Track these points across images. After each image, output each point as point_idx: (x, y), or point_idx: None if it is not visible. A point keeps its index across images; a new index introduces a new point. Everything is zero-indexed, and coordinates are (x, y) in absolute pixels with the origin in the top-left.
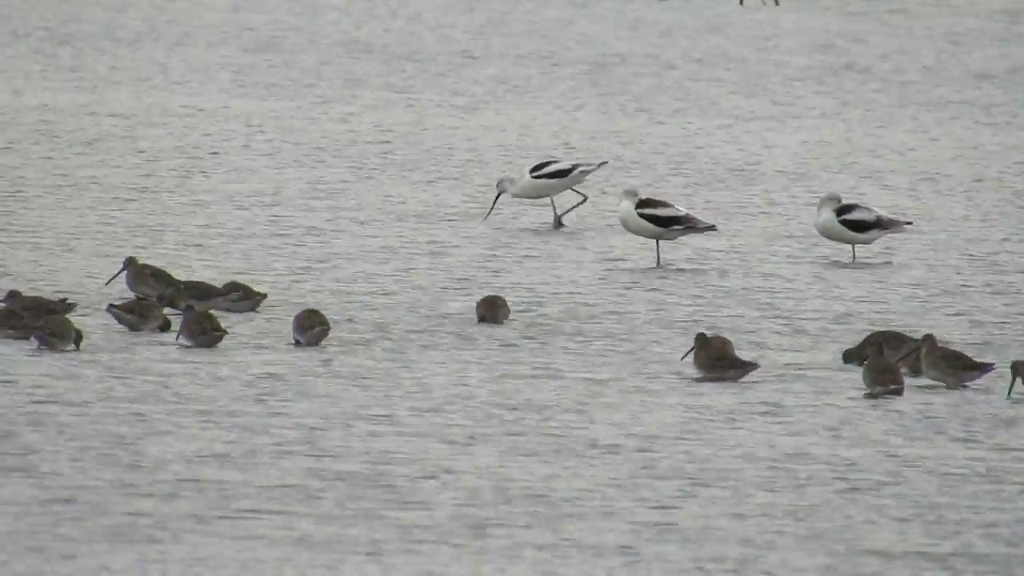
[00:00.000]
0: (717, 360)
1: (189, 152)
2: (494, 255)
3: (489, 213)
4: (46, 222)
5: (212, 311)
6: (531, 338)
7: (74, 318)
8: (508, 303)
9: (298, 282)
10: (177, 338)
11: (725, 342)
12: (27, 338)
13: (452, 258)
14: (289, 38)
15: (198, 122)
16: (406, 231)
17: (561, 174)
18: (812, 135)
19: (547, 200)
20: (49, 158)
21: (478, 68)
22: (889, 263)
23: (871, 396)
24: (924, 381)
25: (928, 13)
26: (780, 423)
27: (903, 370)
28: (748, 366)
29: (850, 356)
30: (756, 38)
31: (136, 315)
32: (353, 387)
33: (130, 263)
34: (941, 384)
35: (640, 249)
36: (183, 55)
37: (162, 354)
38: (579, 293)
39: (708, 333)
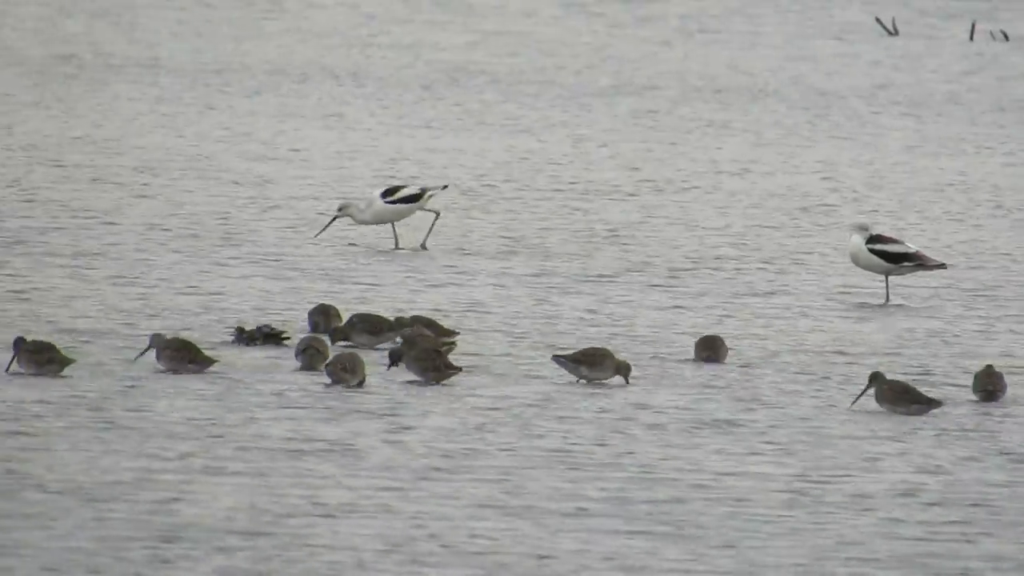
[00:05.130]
0: (901, 394)
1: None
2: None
3: (321, 232)
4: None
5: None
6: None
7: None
8: (727, 342)
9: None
10: (388, 368)
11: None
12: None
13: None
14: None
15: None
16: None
17: (413, 199)
18: None
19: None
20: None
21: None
22: None
23: None
24: None
25: None
26: None
27: None
28: (933, 403)
29: None
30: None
31: (586, 365)
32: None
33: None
34: None
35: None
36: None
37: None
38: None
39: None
